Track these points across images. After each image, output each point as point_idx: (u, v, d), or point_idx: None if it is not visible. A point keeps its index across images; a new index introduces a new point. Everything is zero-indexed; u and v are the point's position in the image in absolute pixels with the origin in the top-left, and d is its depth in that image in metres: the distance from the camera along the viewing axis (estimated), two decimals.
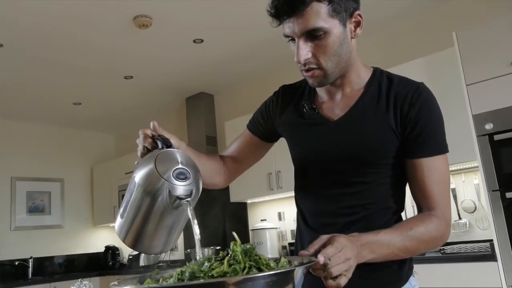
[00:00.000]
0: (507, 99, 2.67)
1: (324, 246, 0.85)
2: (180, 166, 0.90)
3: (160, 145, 0.97)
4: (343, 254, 0.84)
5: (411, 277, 1.12)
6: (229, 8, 3.37)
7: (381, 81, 1.12)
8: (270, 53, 4.19)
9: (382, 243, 0.95)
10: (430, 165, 1.05)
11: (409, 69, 3.20)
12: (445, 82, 3.09)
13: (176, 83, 4.84)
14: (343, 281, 0.83)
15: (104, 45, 3.80)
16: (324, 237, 0.87)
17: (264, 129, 1.30)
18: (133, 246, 0.95)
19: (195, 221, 0.88)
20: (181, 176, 0.89)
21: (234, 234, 0.85)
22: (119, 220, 0.96)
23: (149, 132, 1.03)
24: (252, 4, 3.30)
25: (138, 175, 0.91)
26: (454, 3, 3.50)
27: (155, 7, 3.28)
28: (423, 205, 1.07)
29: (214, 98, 5.26)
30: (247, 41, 3.96)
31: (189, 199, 0.89)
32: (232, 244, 0.79)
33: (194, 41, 3.88)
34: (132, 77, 4.56)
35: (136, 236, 0.93)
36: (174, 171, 0.89)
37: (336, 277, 0.82)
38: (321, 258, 0.80)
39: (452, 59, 2.96)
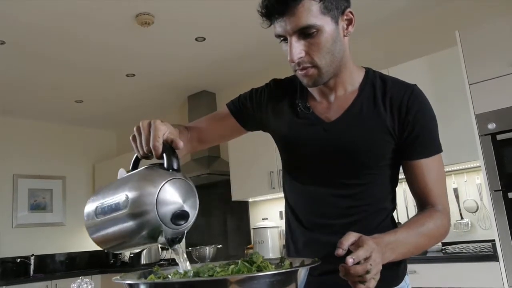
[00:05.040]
0: (510, 99, 2.66)
1: (353, 244, 0.83)
2: (183, 207, 0.79)
3: (166, 164, 0.83)
4: (376, 257, 0.83)
5: (406, 276, 1.14)
6: (231, 6, 3.36)
7: (375, 82, 1.12)
8: (273, 51, 4.18)
9: (400, 242, 0.96)
10: (428, 165, 1.08)
11: (412, 68, 3.20)
12: (448, 82, 3.08)
13: (178, 81, 4.84)
14: (372, 284, 0.82)
15: (106, 42, 3.80)
16: (352, 235, 0.85)
17: (248, 115, 1.25)
18: (98, 244, 0.88)
19: (187, 264, 0.83)
20: (179, 220, 0.79)
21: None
22: (92, 216, 0.86)
23: (162, 134, 0.85)
24: (254, 2, 3.29)
25: (133, 194, 0.78)
26: (457, 2, 3.49)
27: (157, 5, 3.27)
28: (424, 202, 1.10)
29: (216, 97, 5.26)
30: (249, 39, 3.96)
31: (178, 246, 0.82)
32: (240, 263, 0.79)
33: (196, 39, 3.87)
34: (134, 75, 4.56)
35: (105, 240, 0.86)
36: (174, 212, 0.78)
37: (365, 281, 0.81)
38: (350, 260, 0.79)
39: (455, 58, 2.95)
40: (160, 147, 0.84)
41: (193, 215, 0.81)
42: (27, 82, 4.54)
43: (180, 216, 0.78)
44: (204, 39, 3.87)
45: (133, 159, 0.93)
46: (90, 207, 0.87)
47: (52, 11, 3.24)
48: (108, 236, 0.84)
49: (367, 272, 0.80)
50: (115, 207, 0.80)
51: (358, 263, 0.80)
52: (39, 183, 5.61)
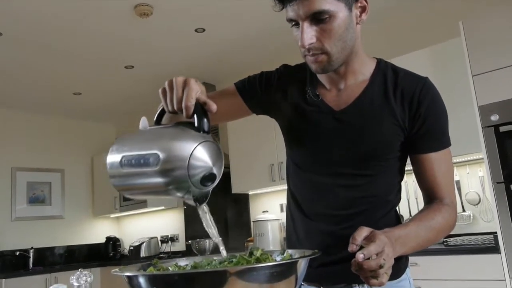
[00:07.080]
0: None
1: (365, 239, 0.82)
2: (212, 170, 0.80)
3: (197, 125, 0.82)
4: (388, 251, 0.82)
5: (407, 268, 1.14)
6: None
7: (386, 73, 1.10)
8: (273, 42, 4.16)
9: (411, 236, 0.96)
10: (438, 159, 1.08)
11: (415, 59, 3.17)
12: (451, 73, 3.06)
13: (177, 73, 4.77)
14: (385, 279, 0.81)
15: (105, 34, 3.77)
16: (365, 230, 0.84)
17: (256, 96, 1.20)
18: (121, 191, 0.88)
19: (213, 224, 0.86)
20: (207, 181, 0.80)
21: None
22: (117, 166, 0.83)
23: (195, 94, 0.84)
24: None
25: (165, 154, 0.77)
26: None
27: None
28: (432, 195, 1.09)
29: (216, 88, 5.23)
30: (249, 30, 3.93)
31: (204, 205, 0.85)
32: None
33: (196, 30, 3.84)
34: (132, 66, 4.53)
35: (130, 190, 0.86)
36: (204, 175, 0.79)
37: (377, 276, 0.80)
38: (360, 256, 0.78)
39: (458, 49, 2.92)
40: (192, 108, 0.82)
41: (219, 176, 0.83)
42: (25, 74, 4.52)
43: (208, 178, 0.80)
44: (204, 30, 3.84)
45: (158, 111, 0.91)
46: (114, 157, 0.84)
47: (50, 2, 3.21)
48: (134, 187, 0.83)
49: (381, 266, 0.79)
50: (144, 162, 0.79)
51: (368, 258, 0.79)
52: (37, 176, 5.60)
